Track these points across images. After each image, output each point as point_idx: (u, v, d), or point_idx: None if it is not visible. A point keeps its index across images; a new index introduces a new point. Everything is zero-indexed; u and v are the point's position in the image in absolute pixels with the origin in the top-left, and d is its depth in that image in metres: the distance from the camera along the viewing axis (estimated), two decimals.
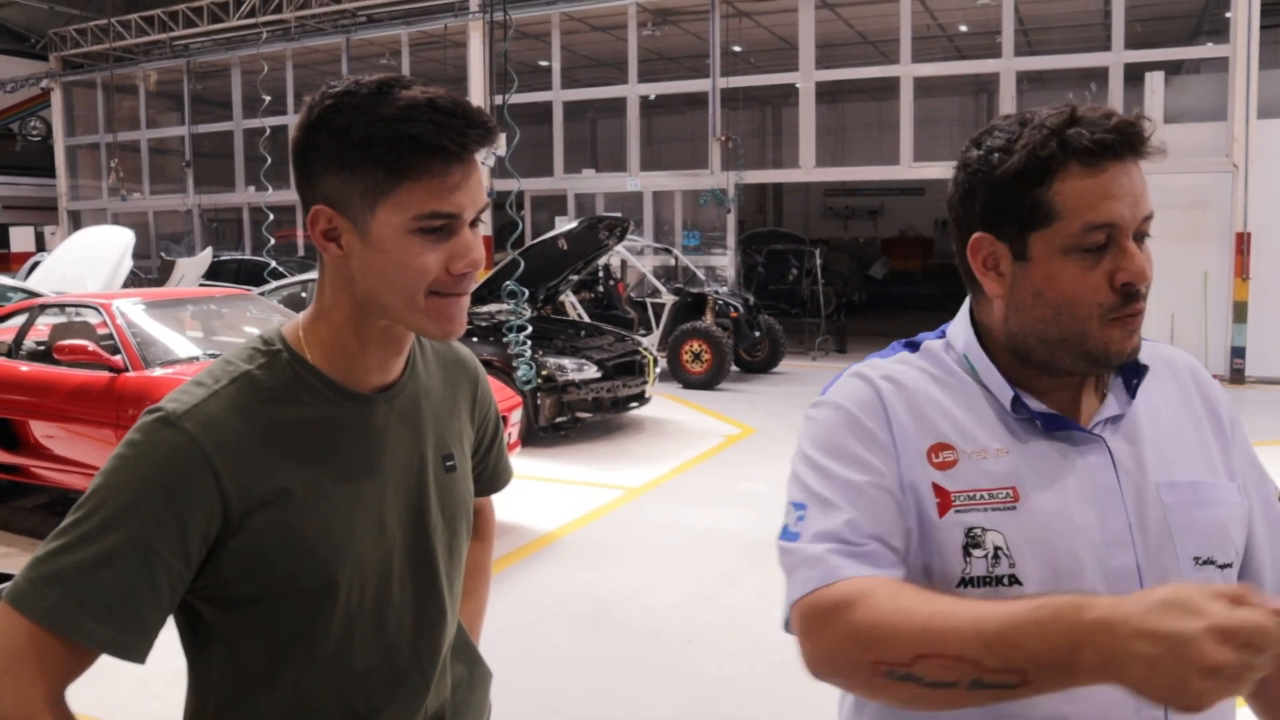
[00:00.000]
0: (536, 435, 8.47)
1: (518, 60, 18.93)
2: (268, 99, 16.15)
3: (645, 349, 9.54)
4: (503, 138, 8.93)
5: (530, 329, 8.34)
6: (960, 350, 1.22)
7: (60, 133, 22.62)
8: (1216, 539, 1.14)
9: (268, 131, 14.83)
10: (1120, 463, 1.14)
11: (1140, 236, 1.12)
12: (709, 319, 12.05)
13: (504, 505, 6.70)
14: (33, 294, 9.61)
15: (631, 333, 10.99)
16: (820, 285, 15.29)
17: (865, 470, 1.13)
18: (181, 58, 20.41)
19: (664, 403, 10.50)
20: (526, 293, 8.54)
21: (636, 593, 5.06)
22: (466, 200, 1.11)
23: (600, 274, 12.97)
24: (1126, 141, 1.08)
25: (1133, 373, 1.18)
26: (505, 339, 8.35)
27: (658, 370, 9.87)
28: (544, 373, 8.41)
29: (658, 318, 12.31)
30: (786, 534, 1.14)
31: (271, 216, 13.41)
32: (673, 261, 14.42)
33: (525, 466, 7.71)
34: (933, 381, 1.20)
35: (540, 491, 7.11)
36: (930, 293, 22.17)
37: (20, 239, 21.66)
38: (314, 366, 1.17)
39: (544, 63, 17.24)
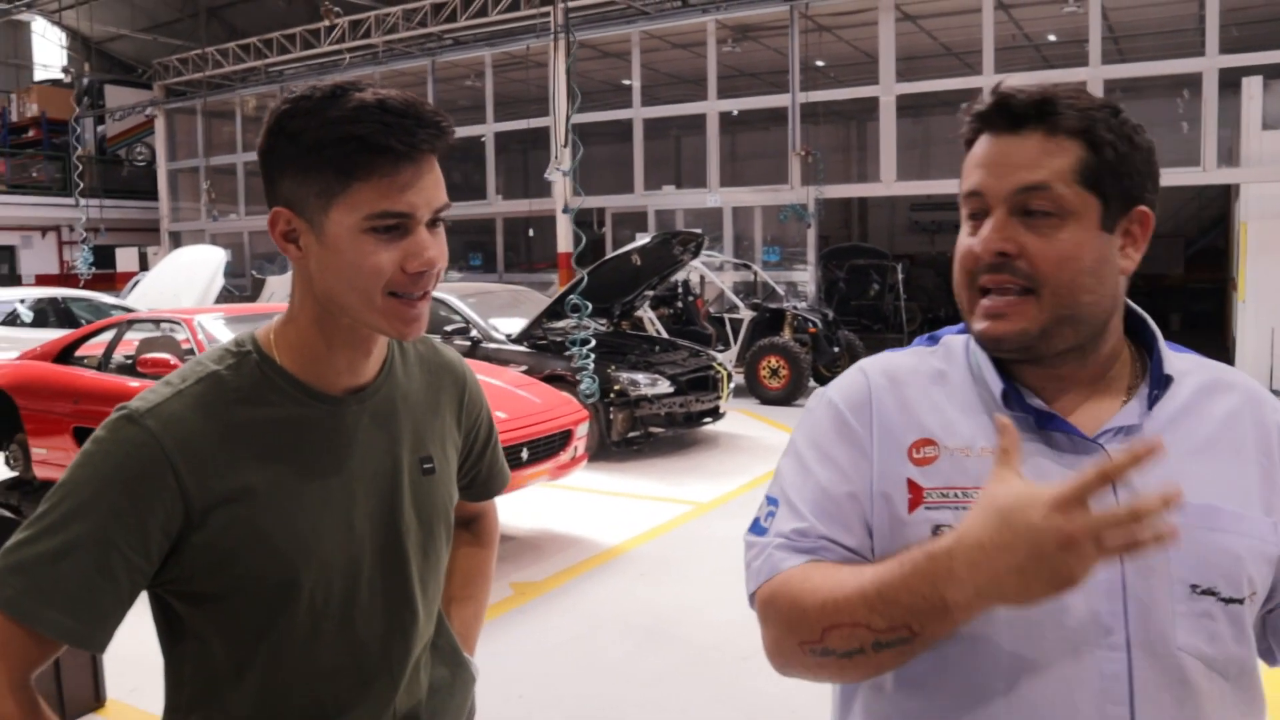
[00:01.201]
0: (609, 450, 8.48)
1: (600, 79, 19.14)
2: None
3: (719, 364, 9.48)
4: (566, 155, 9.04)
5: (594, 342, 8.35)
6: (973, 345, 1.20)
7: (163, 157, 23.57)
8: (1223, 569, 1.06)
9: None
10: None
11: (1021, 209, 1.07)
12: (787, 334, 11.94)
13: (569, 519, 6.75)
14: (128, 310, 10.00)
15: (708, 348, 10.94)
16: (903, 301, 15.05)
17: (836, 473, 1.15)
18: (275, 83, 21.10)
19: (739, 418, 10.42)
20: (590, 307, 8.56)
21: (697, 608, 5.01)
22: (419, 200, 1.11)
23: (679, 289, 12.97)
24: (994, 113, 1.09)
25: (1156, 384, 1.14)
26: (568, 352, 8.38)
27: (732, 386, 9.80)
28: (616, 387, 8.42)
29: (735, 333, 12.24)
30: (755, 527, 1.18)
31: None
32: (752, 277, 14.34)
33: (595, 480, 7.73)
34: (935, 377, 1.19)
35: (609, 506, 7.11)
36: None
37: (125, 259, 22.60)
38: (282, 368, 1.18)
39: (626, 81, 17.36)
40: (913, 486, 1.11)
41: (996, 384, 1.13)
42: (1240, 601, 1.07)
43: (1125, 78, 14.51)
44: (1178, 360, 1.18)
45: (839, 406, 1.18)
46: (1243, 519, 1.09)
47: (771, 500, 1.17)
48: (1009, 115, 1.08)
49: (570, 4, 15.75)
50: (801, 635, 1.04)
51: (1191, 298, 20.33)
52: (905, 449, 1.13)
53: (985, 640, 1.04)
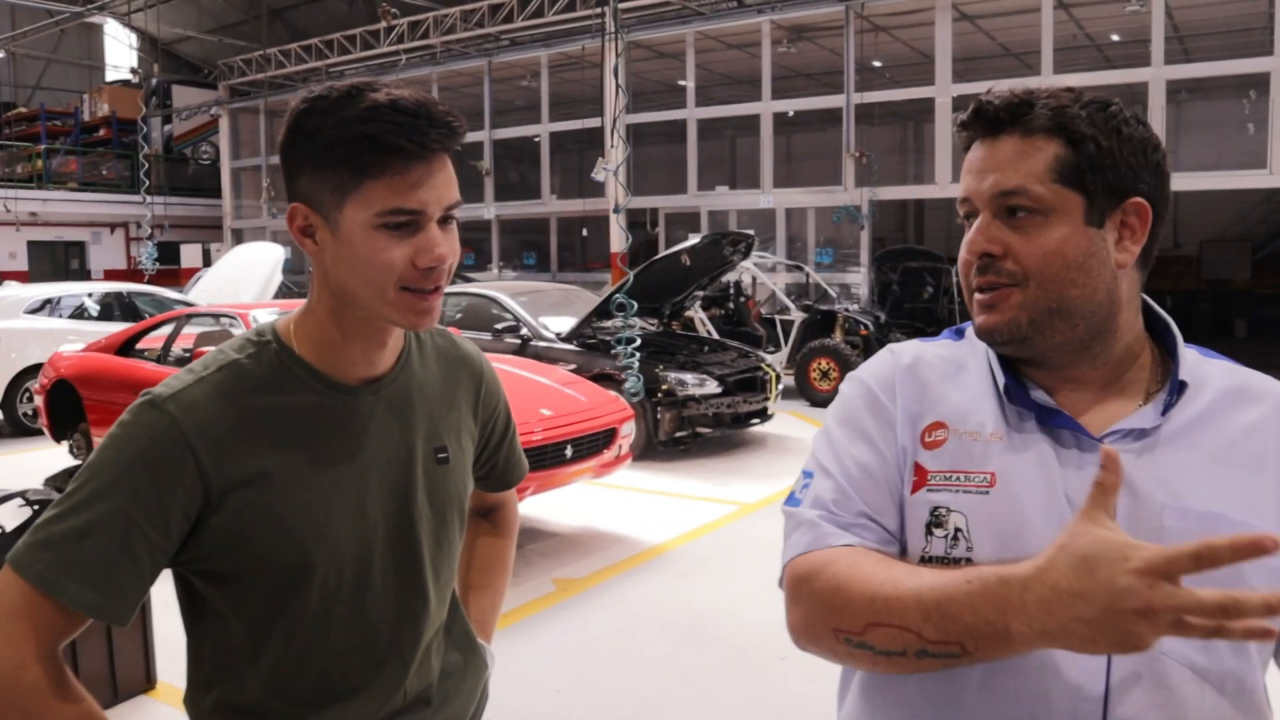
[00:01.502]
0: (656, 449, 8.51)
1: (655, 79, 19.18)
2: None
3: (768, 365, 9.46)
4: (613, 154, 9.08)
5: (639, 341, 8.38)
6: None
7: (226, 156, 24.10)
8: (1220, 579, 1.02)
9: None
10: (1125, 476, 1.05)
11: (1004, 210, 1.10)
12: (838, 336, 11.87)
13: (614, 517, 6.79)
14: (189, 305, 10.25)
15: (759, 349, 10.91)
16: (957, 304, 14.86)
17: (870, 448, 1.16)
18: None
19: (789, 420, 10.39)
20: (635, 306, 8.60)
21: (736, 608, 5.02)
22: (430, 197, 1.15)
23: (730, 290, 12.95)
24: (974, 120, 1.13)
25: (1173, 390, 1.12)
26: (613, 351, 8.42)
27: (780, 387, 9.77)
28: (664, 387, 8.44)
29: (786, 335, 12.20)
30: (791, 499, 1.19)
31: None
32: (805, 279, 14.27)
33: (641, 479, 7.76)
34: (955, 364, 1.21)
35: (654, 504, 7.14)
36: None
37: (189, 255, 23.16)
38: (300, 357, 1.23)
39: (682, 82, 17.37)
40: (918, 469, 1.13)
41: (1001, 378, 1.15)
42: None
43: (1190, 78, 14.22)
44: (1208, 366, 1.16)
45: (870, 385, 1.21)
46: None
47: (806, 474, 1.19)
48: (987, 121, 1.12)
49: (625, 5, 15.81)
50: (840, 622, 1.03)
51: (1258, 303, 19.85)
52: (919, 431, 1.16)
53: None
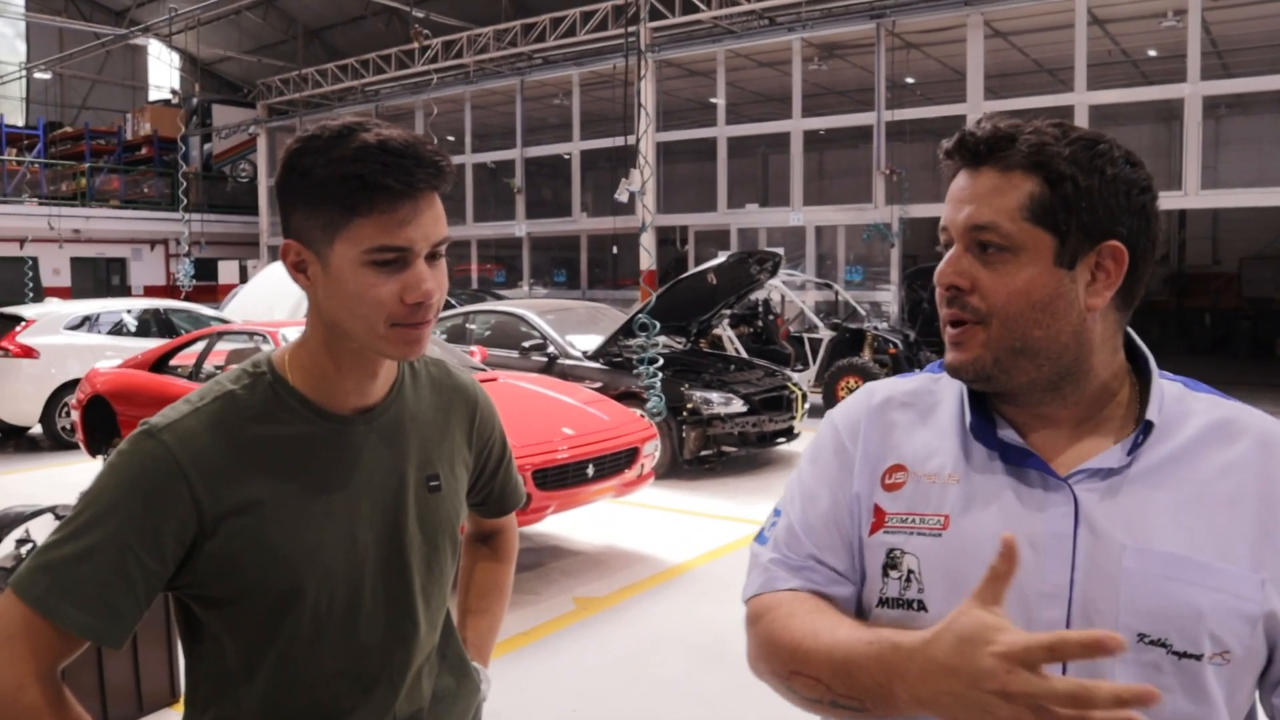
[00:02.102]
0: (681, 468, 8.52)
1: (685, 97, 19.25)
2: (451, 139, 16.97)
3: (794, 384, 9.45)
4: (636, 174, 9.13)
5: (661, 361, 8.41)
6: None
7: (264, 174, 24.47)
8: (1179, 622, 1.03)
9: None
10: (1087, 515, 1.07)
11: (975, 243, 1.10)
12: (867, 355, 11.83)
13: (637, 535, 6.80)
14: (225, 321, 10.41)
15: (787, 367, 10.89)
16: None
17: (828, 491, 1.20)
18: (371, 102, 21.73)
19: None
20: (658, 326, 8.62)
21: None
22: (417, 235, 1.18)
23: (759, 308, 12.95)
24: (957, 150, 1.12)
25: (1142, 428, 1.10)
26: (635, 371, 8.45)
27: (807, 406, 9.75)
28: (689, 405, 8.46)
29: (815, 353, 12.18)
30: (760, 537, 1.26)
31: None
32: (834, 297, 14.24)
33: (665, 498, 7.77)
34: (929, 402, 1.22)
35: (677, 523, 7.14)
36: None
37: (226, 272, 23.51)
38: (294, 388, 1.27)
39: (713, 100, 17.44)
40: (877, 511, 1.16)
41: (969, 416, 1.15)
42: (1198, 658, 1.03)
43: (1228, 93, 14.07)
44: (1192, 401, 1.14)
45: (838, 428, 1.24)
46: (1215, 573, 1.04)
47: (776, 512, 1.25)
48: (969, 152, 1.11)
49: (656, 24, 15.91)
50: (773, 666, 1.11)
51: None
52: (880, 474, 1.18)
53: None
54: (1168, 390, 1.14)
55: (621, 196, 10.27)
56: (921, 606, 1.10)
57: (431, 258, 1.21)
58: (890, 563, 1.13)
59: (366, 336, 1.21)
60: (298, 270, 1.23)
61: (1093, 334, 1.11)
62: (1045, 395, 1.13)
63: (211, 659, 1.28)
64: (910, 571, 1.11)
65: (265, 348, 7.08)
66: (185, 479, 1.18)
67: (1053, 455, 1.12)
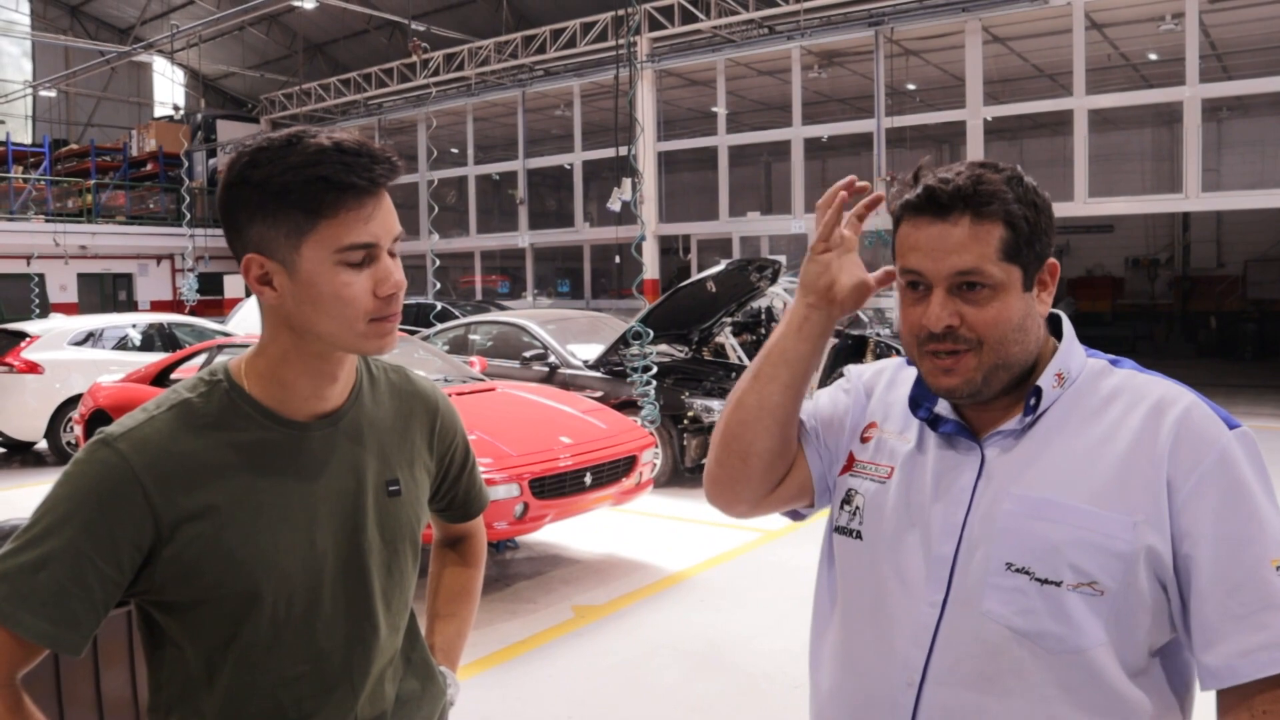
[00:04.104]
0: (682, 475, 8.52)
1: (686, 106, 19.30)
2: (454, 151, 17.02)
3: None
4: (627, 183, 9.18)
5: (654, 369, 8.41)
6: None
7: None
8: (1040, 554, 1.23)
9: (434, 182, 15.65)
10: (991, 470, 1.29)
11: (959, 285, 1.25)
12: (869, 362, 11.82)
13: (636, 544, 6.81)
14: (228, 335, 10.46)
15: None
16: None
17: (839, 407, 1.49)
18: (374, 115, 21.83)
19: None
20: (650, 335, 8.64)
21: (752, 635, 5.01)
22: (381, 230, 1.22)
23: (762, 316, 12.94)
24: (925, 203, 1.26)
25: (1032, 397, 1.29)
26: (629, 379, 8.45)
27: None
28: (690, 413, 8.46)
29: None
30: None
31: (437, 263, 14.10)
32: None
33: (666, 506, 7.77)
34: (903, 378, 1.44)
35: (677, 531, 7.14)
36: (1120, 335, 20.80)
37: (232, 285, 23.56)
38: (250, 395, 1.28)
39: (714, 108, 17.49)
40: (850, 457, 1.44)
41: (910, 390, 1.39)
42: (1057, 584, 1.21)
43: (1226, 96, 14.07)
44: (1110, 375, 1.31)
45: (856, 383, 1.51)
46: (1082, 514, 1.22)
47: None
48: (937, 204, 1.25)
49: (656, 34, 15.97)
50: (720, 429, 1.52)
51: None
52: (861, 429, 1.45)
53: (865, 579, 1.35)
54: (1090, 365, 1.33)
55: (614, 206, 10.31)
56: (858, 535, 1.38)
57: (390, 253, 1.24)
58: (846, 498, 1.40)
59: (346, 336, 1.24)
60: (262, 284, 1.24)
61: (1040, 334, 1.33)
62: (1003, 395, 1.33)
63: (172, 665, 1.29)
64: (857, 508, 1.38)
65: None
66: (141, 486, 1.19)
67: (985, 426, 1.32)
